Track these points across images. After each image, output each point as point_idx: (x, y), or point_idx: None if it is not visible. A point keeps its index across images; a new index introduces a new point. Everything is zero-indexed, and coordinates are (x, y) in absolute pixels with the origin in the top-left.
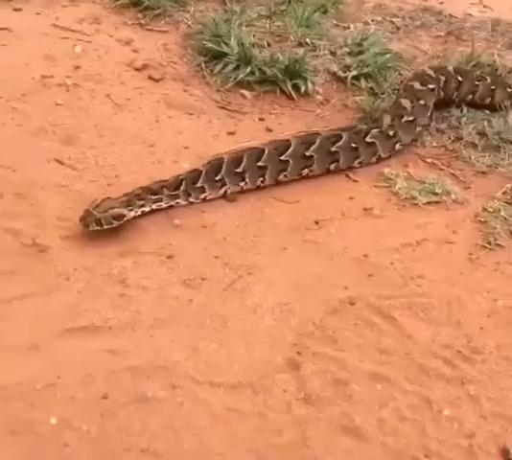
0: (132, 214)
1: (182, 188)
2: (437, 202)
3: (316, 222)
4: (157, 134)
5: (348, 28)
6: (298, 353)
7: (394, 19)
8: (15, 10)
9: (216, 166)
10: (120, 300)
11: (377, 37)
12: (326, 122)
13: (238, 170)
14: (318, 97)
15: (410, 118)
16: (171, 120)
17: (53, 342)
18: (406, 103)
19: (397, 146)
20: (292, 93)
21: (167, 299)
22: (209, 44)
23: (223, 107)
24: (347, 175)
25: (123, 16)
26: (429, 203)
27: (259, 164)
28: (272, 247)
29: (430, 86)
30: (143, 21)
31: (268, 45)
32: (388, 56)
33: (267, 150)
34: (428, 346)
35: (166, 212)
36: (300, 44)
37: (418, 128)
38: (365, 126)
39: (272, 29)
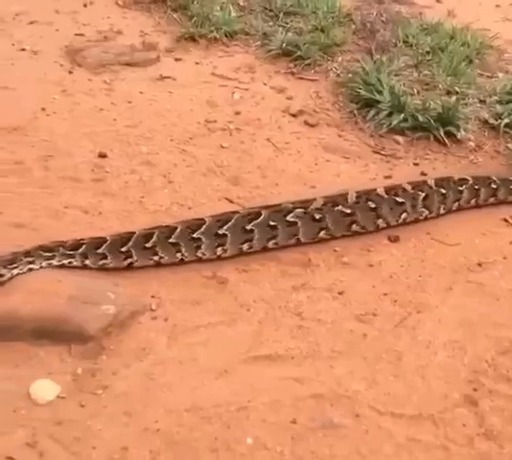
0: (16, 271)
1: (81, 250)
2: None
3: (479, 264)
4: (317, 176)
5: (492, 77)
6: (474, 389)
7: None
8: (176, 60)
9: (125, 238)
10: (298, 331)
11: None
12: (479, 168)
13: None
14: (470, 143)
15: None
16: (328, 163)
17: (240, 368)
18: None
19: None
20: (445, 139)
21: (342, 332)
22: (363, 92)
23: (378, 152)
24: (505, 220)
25: (275, 66)
26: None
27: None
28: (438, 287)
29: None
30: (294, 70)
31: (418, 93)
32: None
33: (179, 228)
34: None
35: (334, 250)
36: (449, 92)
37: None
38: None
39: (420, 77)
